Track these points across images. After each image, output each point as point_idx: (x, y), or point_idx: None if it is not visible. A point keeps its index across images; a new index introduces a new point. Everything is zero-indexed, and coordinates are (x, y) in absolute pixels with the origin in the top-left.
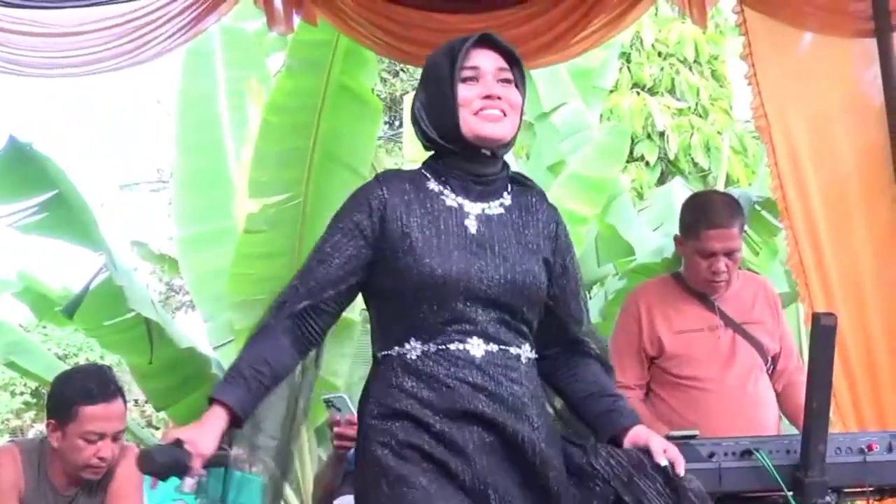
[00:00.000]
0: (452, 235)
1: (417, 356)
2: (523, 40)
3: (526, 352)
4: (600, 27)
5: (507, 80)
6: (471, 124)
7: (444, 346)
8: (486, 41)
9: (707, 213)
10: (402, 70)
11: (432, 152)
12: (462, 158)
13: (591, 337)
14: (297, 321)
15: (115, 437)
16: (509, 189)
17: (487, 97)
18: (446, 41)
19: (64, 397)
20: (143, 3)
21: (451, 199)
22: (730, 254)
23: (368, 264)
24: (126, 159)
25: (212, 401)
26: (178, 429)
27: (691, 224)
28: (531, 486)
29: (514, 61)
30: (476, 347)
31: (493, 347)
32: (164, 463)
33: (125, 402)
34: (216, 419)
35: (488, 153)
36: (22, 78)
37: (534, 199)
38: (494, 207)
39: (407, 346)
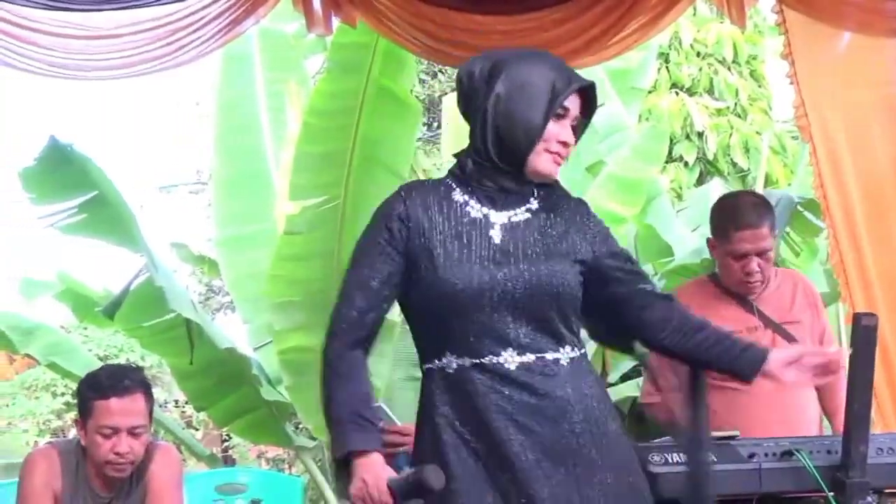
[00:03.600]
0: (476, 247)
1: (455, 370)
2: (560, 41)
3: (566, 353)
4: (637, 29)
5: (575, 126)
6: (540, 160)
7: (478, 360)
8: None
9: (736, 215)
10: (440, 72)
11: (465, 154)
12: (497, 171)
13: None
14: (356, 348)
15: (133, 433)
16: (535, 194)
17: (565, 144)
18: (484, 42)
19: (82, 394)
20: (181, 6)
21: (476, 210)
22: (761, 254)
23: (402, 274)
24: (165, 161)
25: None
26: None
27: (721, 226)
28: (574, 489)
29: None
30: (510, 360)
31: (529, 357)
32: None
33: (148, 398)
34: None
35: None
36: (62, 80)
37: (560, 199)
38: (521, 214)
39: (444, 359)
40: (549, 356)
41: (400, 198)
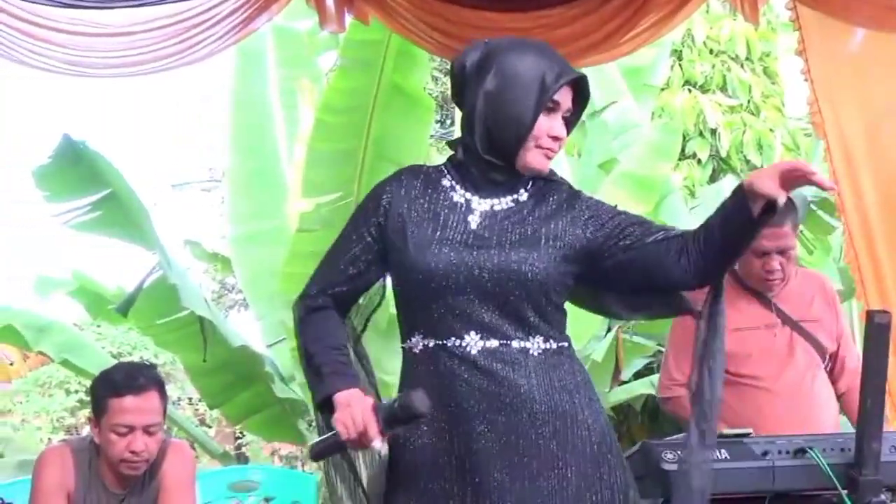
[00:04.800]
0: (450, 230)
1: (420, 350)
2: (573, 38)
3: (537, 344)
4: (650, 26)
5: (567, 118)
6: (530, 154)
7: (441, 342)
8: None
9: None
10: None
11: (460, 141)
12: (488, 166)
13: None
14: (326, 307)
15: (148, 431)
16: (527, 186)
17: (556, 138)
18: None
19: (96, 392)
20: (194, 4)
21: (459, 195)
22: (783, 252)
23: (382, 256)
24: (178, 158)
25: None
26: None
27: None
28: (524, 479)
29: (581, 101)
30: (473, 344)
31: (493, 343)
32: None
33: (163, 396)
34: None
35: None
36: (75, 77)
37: (552, 190)
38: (505, 202)
39: (412, 340)
40: (516, 344)
41: (393, 178)
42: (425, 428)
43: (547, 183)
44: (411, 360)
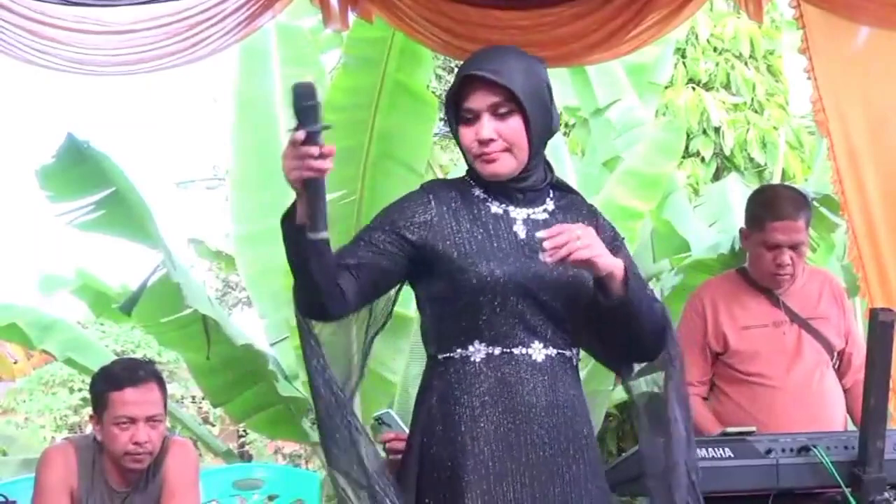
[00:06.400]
0: (504, 240)
1: (482, 359)
2: (577, 36)
3: (574, 355)
4: (654, 24)
5: (504, 114)
6: (477, 166)
7: (508, 350)
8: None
9: (773, 206)
10: (457, 67)
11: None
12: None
13: None
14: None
15: (151, 423)
16: (552, 195)
17: (482, 142)
18: (501, 38)
19: (96, 389)
20: (197, 1)
21: (496, 206)
22: (795, 247)
23: (404, 268)
24: (182, 156)
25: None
26: None
27: (757, 216)
28: (579, 483)
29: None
30: (537, 352)
31: (553, 351)
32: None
33: (162, 389)
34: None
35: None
36: (79, 76)
37: (575, 203)
38: (539, 213)
39: (471, 348)
40: (567, 353)
41: (424, 193)
42: (491, 434)
43: (565, 194)
44: (464, 368)
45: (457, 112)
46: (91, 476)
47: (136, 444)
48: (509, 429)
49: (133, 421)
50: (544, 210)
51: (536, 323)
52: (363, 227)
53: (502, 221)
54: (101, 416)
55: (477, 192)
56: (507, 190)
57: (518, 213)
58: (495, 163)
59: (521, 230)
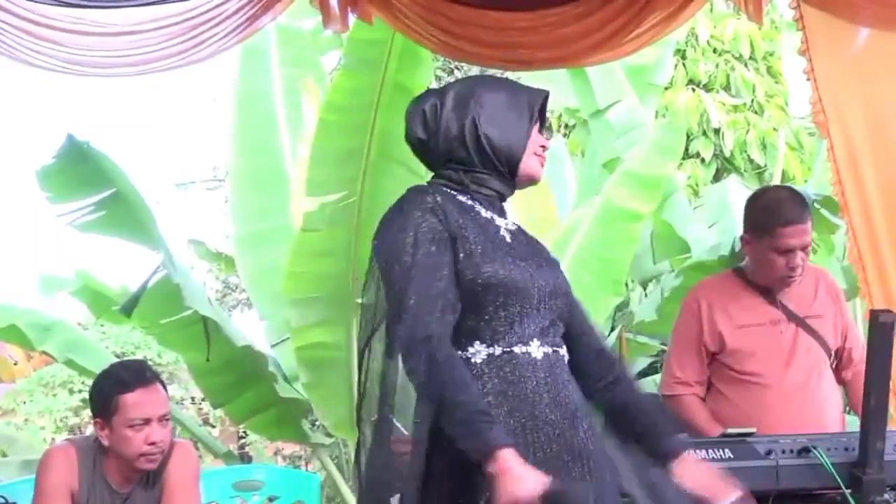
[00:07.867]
0: (499, 244)
1: (483, 360)
2: (578, 37)
3: (567, 355)
4: (655, 25)
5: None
6: (530, 164)
7: (509, 349)
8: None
9: (780, 211)
10: (457, 68)
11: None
12: (497, 178)
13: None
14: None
15: (163, 421)
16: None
17: (545, 147)
18: (501, 38)
19: (103, 393)
20: (198, 3)
21: (484, 212)
22: (805, 248)
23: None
24: (182, 158)
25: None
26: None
27: (764, 222)
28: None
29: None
30: (536, 350)
31: (549, 349)
32: None
33: (165, 388)
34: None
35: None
36: (79, 77)
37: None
38: (511, 223)
39: (471, 349)
40: (562, 352)
41: (425, 192)
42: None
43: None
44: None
45: (533, 114)
46: (92, 477)
47: (151, 444)
48: (517, 431)
49: (147, 422)
50: (512, 222)
51: (533, 321)
52: (424, 266)
53: (493, 226)
54: (110, 421)
55: (462, 198)
56: (490, 198)
57: (501, 222)
58: (543, 168)
59: (507, 236)
